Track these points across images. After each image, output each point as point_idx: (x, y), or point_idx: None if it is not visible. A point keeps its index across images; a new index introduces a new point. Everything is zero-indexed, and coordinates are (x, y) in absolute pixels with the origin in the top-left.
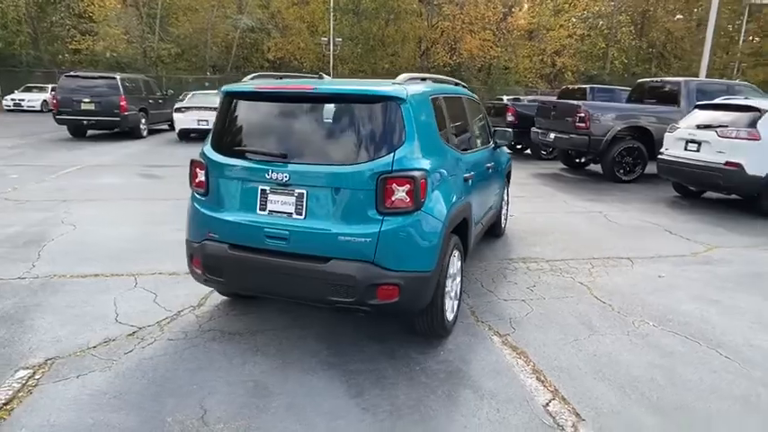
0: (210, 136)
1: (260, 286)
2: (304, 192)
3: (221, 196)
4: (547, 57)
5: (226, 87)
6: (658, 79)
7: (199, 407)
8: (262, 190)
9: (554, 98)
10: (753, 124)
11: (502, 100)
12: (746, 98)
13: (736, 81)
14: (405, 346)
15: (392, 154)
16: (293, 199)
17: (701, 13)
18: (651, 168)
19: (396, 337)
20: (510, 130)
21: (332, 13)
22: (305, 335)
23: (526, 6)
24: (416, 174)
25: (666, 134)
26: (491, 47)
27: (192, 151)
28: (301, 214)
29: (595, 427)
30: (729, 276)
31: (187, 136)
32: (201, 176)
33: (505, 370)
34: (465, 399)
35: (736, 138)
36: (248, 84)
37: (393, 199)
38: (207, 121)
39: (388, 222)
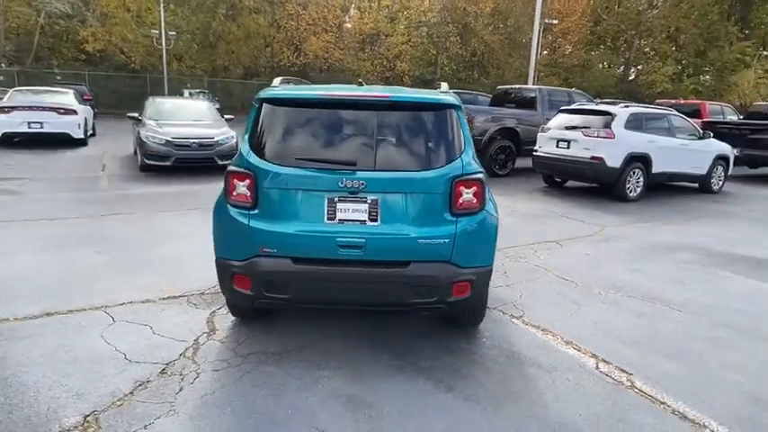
0: (249, 144)
1: (333, 297)
2: (377, 198)
3: (277, 208)
4: (387, 61)
5: (273, 93)
6: (516, 86)
7: (315, 430)
8: (329, 199)
9: None
10: (608, 125)
11: None
12: (597, 103)
13: (573, 89)
14: (449, 339)
15: (460, 158)
16: (366, 206)
17: (508, 28)
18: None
19: (435, 331)
20: None
21: (162, 3)
22: (350, 344)
23: (352, 11)
24: (481, 176)
25: (539, 134)
26: (333, 49)
27: (26, 160)
28: (376, 221)
29: (643, 377)
30: (630, 249)
31: (10, 141)
32: (243, 188)
33: (546, 346)
34: (537, 375)
35: (597, 137)
36: (306, 89)
37: (462, 201)
38: (41, 123)
39: (461, 223)
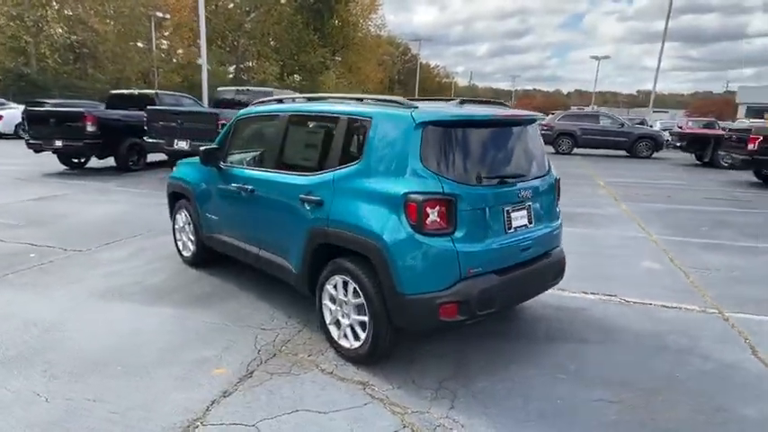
0: (429, 169)
1: (520, 297)
2: (530, 203)
3: (473, 227)
4: None
5: (438, 115)
6: (133, 91)
7: (601, 401)
8: (506, 210)
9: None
10: None
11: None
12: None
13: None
14: (505, 314)
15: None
16: (525, 212)
17: (124, 18)
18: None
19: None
20: None
21: None
22: (466, 345)
23: None
24: None
25: None
26: None
27: None
28: (531, 223)
29: (624, 296)
30: None
31: None
32: (436, 214)
33: (559, 295)
34: (591, 316)
35: None
36: (473, 110)
37: (558, 196)
38: None
39: (560, 214)
